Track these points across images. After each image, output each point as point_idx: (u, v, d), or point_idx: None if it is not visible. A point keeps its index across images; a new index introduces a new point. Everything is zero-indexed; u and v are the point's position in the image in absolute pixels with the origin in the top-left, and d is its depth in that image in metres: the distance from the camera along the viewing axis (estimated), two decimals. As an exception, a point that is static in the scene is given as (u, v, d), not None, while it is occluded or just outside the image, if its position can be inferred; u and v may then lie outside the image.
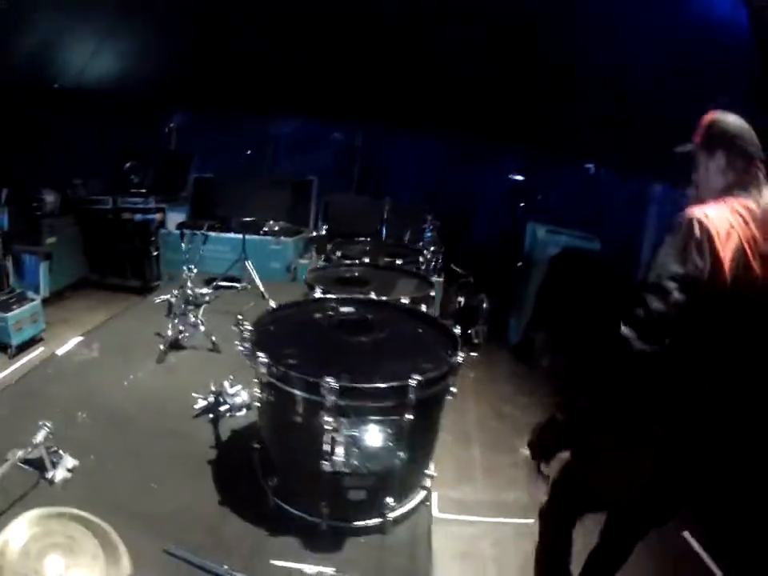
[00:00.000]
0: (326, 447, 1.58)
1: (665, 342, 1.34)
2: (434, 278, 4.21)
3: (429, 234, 4.45)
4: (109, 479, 1.95)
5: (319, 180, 5.70)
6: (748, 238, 1.37)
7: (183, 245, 3.72)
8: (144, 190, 6.43)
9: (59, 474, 1.85)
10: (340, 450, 1.56)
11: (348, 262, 3.19)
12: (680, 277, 1.34)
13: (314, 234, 5.00)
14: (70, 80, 6.06)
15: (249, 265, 4.53)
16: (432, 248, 4.37)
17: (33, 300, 5.20)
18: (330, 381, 1.49)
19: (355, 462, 1.55)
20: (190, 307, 3.25)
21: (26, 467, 1.79)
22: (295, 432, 1.70)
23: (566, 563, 1.90)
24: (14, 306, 4.93)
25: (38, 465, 1.84)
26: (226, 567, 1.49)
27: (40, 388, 2.64)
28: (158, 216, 6.02)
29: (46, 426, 1.82)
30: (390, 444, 1.59)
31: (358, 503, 1.69)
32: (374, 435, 1.56)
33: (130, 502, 1.84)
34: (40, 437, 1.77)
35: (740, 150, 1.48)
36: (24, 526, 1.35)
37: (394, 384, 1.57)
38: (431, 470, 1.96)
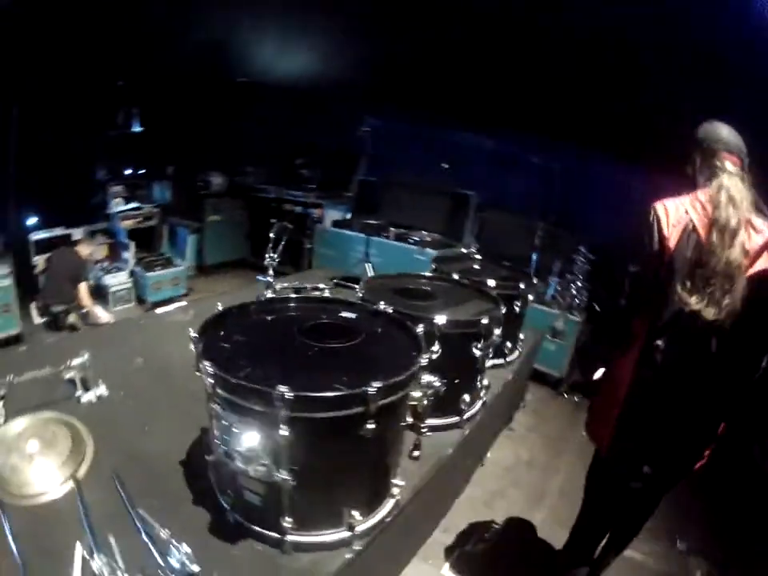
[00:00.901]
0: (214, 434, 1.69)
1: (622, 301, 2.07)
2: (570, 315, 4.48)
3: (578, 267, 4.61)
4: (125, 416, 2.25)
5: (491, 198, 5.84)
6: (703, 220, 1.87)
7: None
8: (313, 185, 7.17)
9: (86, 397, 2.28)
10: (218, 441, 1.64)
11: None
12: (638, 252, 2.04)
13: (463, 250, 5.06)
14: (256, 74, 6.81)
15: (368, 267, 4.97)
16: (577, 283, 4.56)
17: (177, 266, 6.11)
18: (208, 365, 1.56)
19: (235, 460, 1.55)
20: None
21: (67, 382, 2.24)
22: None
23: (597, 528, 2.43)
24: (157, 268, 5.92)
25: (74, 383, 2.29)
26: (141, 512, 1.68)
27: (125, 331, 3.32)
28: (316, 211, 6.79)
29: (85, 354, 2.25)
30: (265, 455, 1.54)
31: (255, 507, 1.70)
32: (249, 438, 1.52)
33: (131, 438, 2.11)
34: (76, 361, 2.23)
35: (709, 150, 1.97)
36: (29, 418, 2.00)
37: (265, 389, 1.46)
38: (357, 516, 1.72)
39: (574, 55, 4.33)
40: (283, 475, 1.57)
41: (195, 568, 1.46)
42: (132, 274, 5.93)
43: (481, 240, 5.78)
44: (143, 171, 6.74)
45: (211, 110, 7.26)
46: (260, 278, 3.85)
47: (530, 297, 3.30)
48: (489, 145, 5.83)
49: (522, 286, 3.12)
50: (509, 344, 3.19)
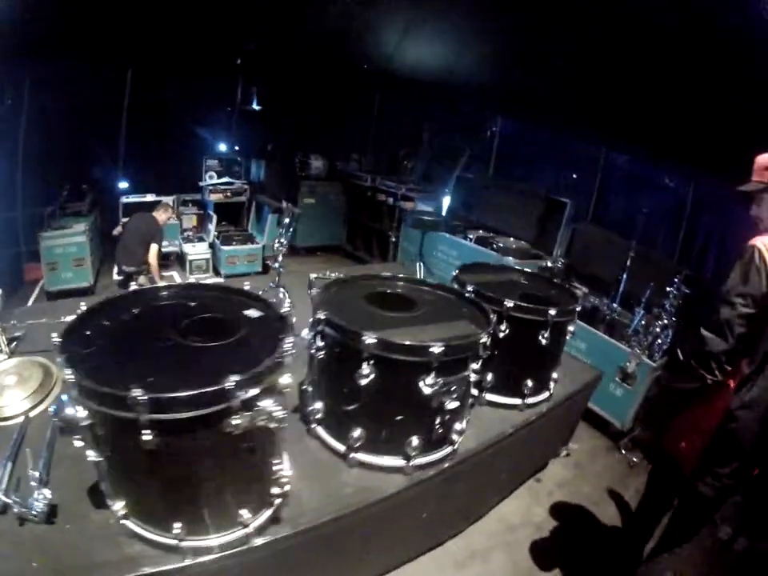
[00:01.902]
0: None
1: (730, 340, 2.18)
2: (646, 358, 3.89)
3: (669, 300, 4.06)
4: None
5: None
6: None
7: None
8: (412, 178, 7.43)
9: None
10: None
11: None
12: (743, 293, 2.18)
13: (548, 264, 5.03)
14: (381, 63, 7.02)
15: (419, 266, 4.90)
16: (664, 319, 4.01)
17: (255, 243, 6.45)
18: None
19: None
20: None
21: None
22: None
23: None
24: (234, 243, 6.31)
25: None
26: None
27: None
28: (407, 204, 6.81)
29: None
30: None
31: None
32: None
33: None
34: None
35: None
36: (21, 358, 2.50)
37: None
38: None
39: (735, 78, 4.07)
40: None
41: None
42: (211, 245, 6.36)
43: (570, 254, 5.34)
44: (238, 148, 7.40)
45: (330, 94, 7.71)
46: (270, 263, 4.13)
47: (570, 328, 2.89)
48: (620, 161, 5.69)
49: (552, 312, 2.62)
50: (530, 382, 2.83)
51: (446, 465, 2.39)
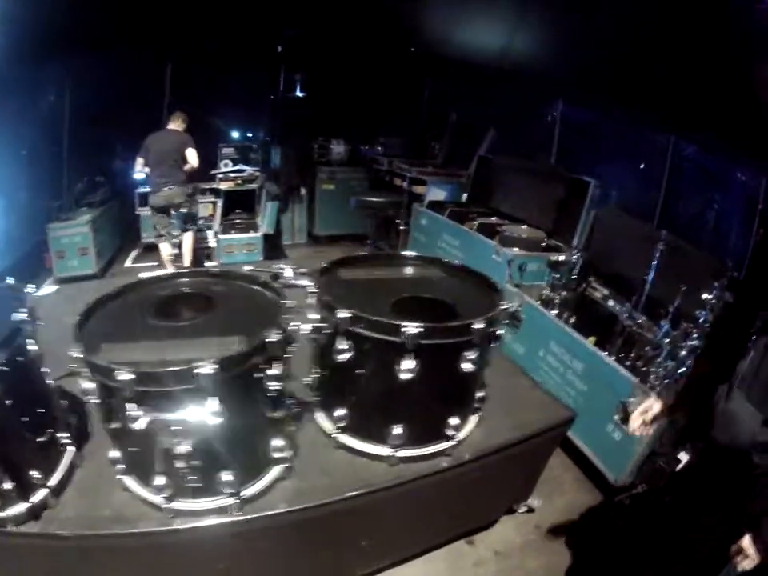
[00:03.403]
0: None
1: None
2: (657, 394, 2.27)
3: (707, 309, 2.80)
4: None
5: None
6: None
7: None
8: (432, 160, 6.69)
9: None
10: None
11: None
12: None
13: (560, 258, 3.80)
14: (428, 46, 6.39)
15: None
16: (694, 337, 2.77)
17: (255, 233, 5.97)
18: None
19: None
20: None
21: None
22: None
23: None
24: (233, 232, 5.92)
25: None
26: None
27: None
28: (419, 189, 6.05)
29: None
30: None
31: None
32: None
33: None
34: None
35: None
36: None
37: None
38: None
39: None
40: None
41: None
42: (216, 234, 6.00)
43: (590, 246, 4.14)
44: (250, 135, 6.92)
45: (375, 79, 7.15)
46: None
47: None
48: (689, 151, 4.54)
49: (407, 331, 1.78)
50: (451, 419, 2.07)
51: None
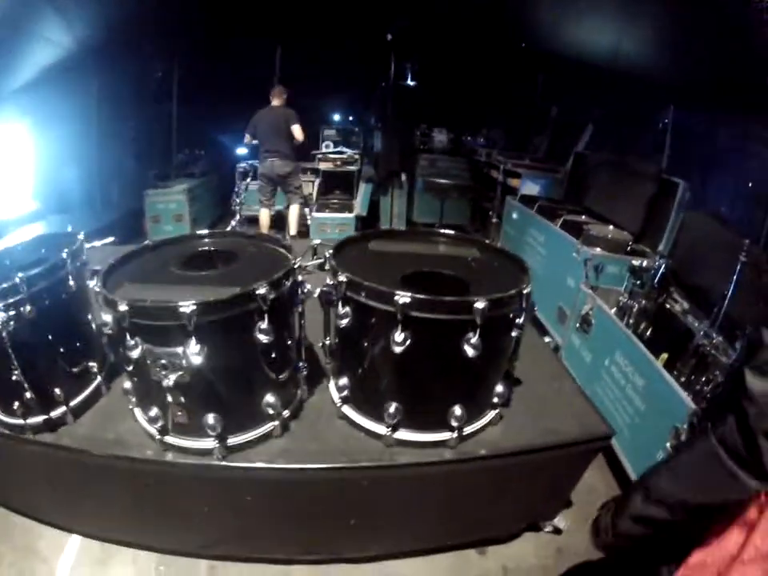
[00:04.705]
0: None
1: None
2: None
3: None
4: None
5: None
6: None
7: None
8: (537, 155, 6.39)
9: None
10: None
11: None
12: None
13: (642, 263, 3.36)
14: (539, 43, 6.14)
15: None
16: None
17: (349, 213, 6.06)
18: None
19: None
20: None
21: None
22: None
23: None
24: (327, 211, 6.08)
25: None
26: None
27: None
28: (514, 182, 5.80)
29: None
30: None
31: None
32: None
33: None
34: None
35: None
36: None
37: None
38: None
39: None
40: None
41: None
42: (310, 212, 6.13)
43: (674, 251, 3.71)
44: (352, 118, 7.05)
45: (484, 71, 7.02)
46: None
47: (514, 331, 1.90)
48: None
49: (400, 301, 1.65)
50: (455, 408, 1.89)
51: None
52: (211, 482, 1.93)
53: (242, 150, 5.94)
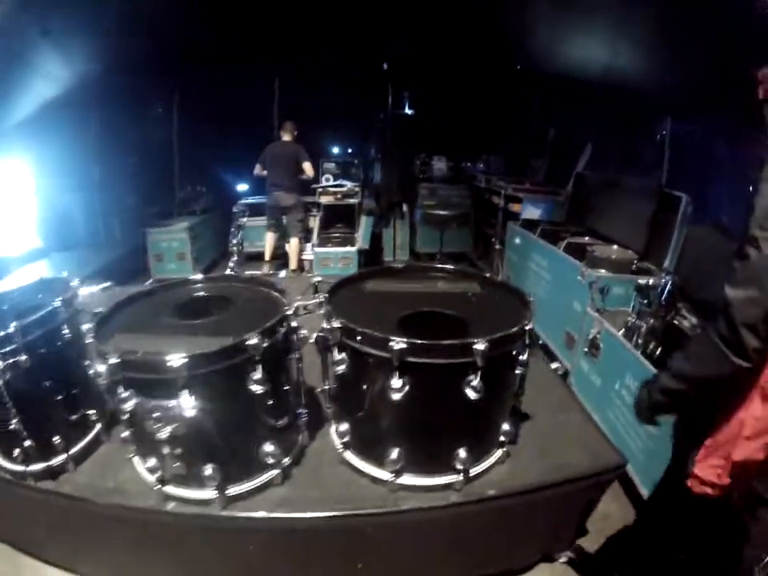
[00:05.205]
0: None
1: None
2: None
3: None
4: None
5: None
6: None
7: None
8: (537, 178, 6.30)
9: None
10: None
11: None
12: None
13: (649, 281, 3.21)
14: (534, 63, 6.13)
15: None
16: None
17: (351, 247, 5.96)
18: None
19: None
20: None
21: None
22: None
23: None
24: (329, 245, 6.00)
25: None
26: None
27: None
28: (515, 207, 5.68)
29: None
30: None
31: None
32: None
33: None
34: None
35: None
36: None
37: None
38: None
39: None
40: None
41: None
42: (312, 246, 6.05)
43: (680, 267, 3.65)
44: (351, 150, 7.07)
45: (481, 96, 7.03)
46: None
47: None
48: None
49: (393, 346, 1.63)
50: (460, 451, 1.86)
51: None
52: (213, 532, 1.90)
53: (242, 187, 6.00)
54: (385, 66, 7.03)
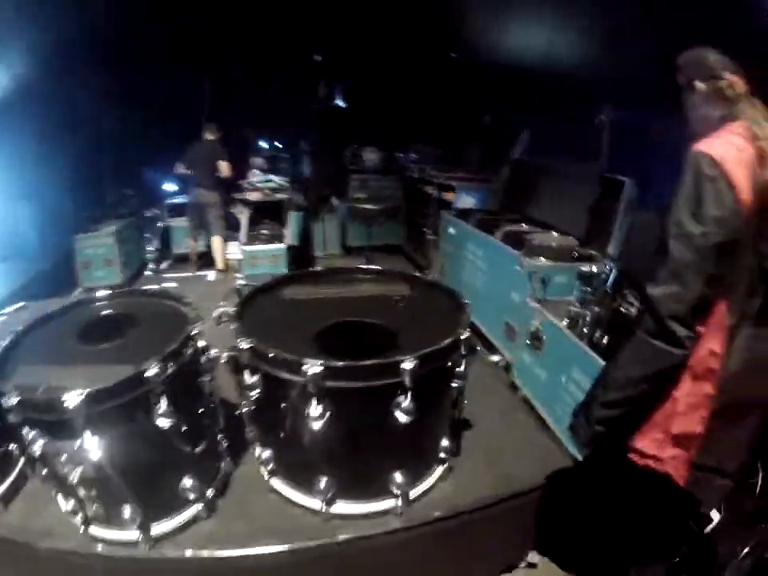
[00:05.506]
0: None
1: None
2: None
3: None
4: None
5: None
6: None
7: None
8: (469, 166, 6.24)
9: None
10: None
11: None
12: (709, 218, 1.57)
13: (591, 269, 3.14)
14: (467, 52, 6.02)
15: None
16: None
17: (280, 244, 5.60)
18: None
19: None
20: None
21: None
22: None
23: None
24: (257, 243, 5.62)
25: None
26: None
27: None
28: (448, 195, 5.52)
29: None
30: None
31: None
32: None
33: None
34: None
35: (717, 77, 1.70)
36: None
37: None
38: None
39: None
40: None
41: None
42: (240, 245, 5.72)
43: (625, 256, 3.57)
44: (281, 145, 6.76)
45: (410, 83, 6.84)
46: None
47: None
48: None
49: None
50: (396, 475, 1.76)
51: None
52: (145, 572, 1.73)
53: (169, 186, 5.60)
54: (317, 58, 6.93)
